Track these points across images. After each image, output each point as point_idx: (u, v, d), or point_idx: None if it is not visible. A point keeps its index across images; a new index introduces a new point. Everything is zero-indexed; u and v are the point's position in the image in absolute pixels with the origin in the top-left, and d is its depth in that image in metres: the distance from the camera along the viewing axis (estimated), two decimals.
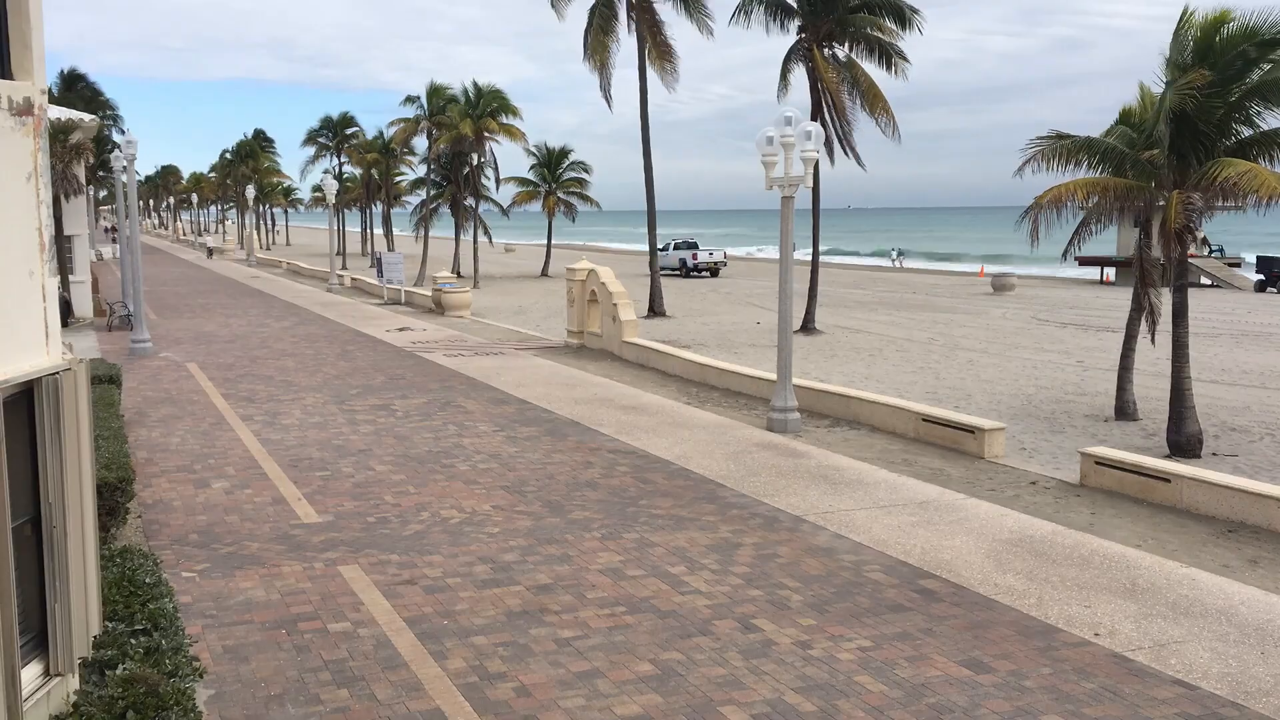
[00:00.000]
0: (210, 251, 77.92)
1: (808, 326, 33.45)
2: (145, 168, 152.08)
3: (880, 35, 33.56)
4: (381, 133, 76.19)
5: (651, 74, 38.46)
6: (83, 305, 34.71)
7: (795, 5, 34.12)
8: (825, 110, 33.66)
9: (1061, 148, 18.45)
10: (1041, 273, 68.02)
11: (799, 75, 34.98)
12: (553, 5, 39.20)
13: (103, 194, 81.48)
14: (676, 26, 41.43)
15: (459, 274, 50.82)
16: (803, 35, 34.29)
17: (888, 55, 33.71)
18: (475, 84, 55.29)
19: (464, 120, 52.96)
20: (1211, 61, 16.79)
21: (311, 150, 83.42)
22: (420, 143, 61.50)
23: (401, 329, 31.81)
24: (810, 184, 16.82)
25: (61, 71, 44.71)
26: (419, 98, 58.61)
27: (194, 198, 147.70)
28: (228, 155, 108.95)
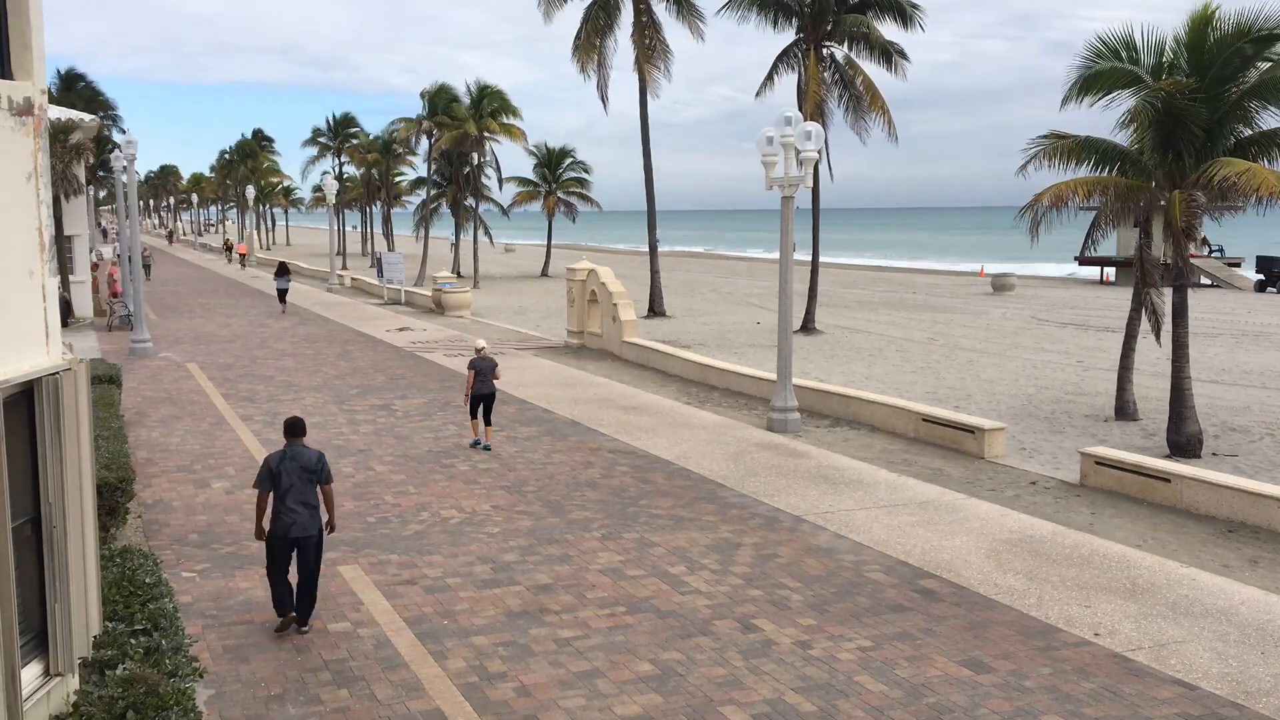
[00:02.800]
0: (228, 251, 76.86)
1: (808, 326, 33.45)
2: (149, 167, 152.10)
3: (881, 34, 33.55)
4: (383, 132, 76.19)
5: (653, 73, 38.46)
6: (83, 305, 34.71)
7: (794, 5, 34.12)
8: (815, 116, 33.64)
9: (1062, 146, 18.44)
10: (1041, 272, 68.00)
11: (787, 78, 35.04)
12: (541, 10, 39.26)
13: (103, 194, 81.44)
14: (676, 29, 41.64)
15: (459, 274, 50.81)
16: (801, 35, 34.31)
17: (887, 55, 33.70)
18: (478, 84, 55.21)
19: (468, 120, 52.90)
20: (1207, 60, 16.75)
21: (312, 150, 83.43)
22: (421, 143, 61.29)
23: (401, 329, 31.81)
24: (810, 184, 16.81)
25: (60, 71, 44.63)
26: (428, 93, 57.93)
27: (194, 198, 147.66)
28: (227, 155, 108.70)
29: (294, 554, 8.61)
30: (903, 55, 33.76)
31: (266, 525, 8.64)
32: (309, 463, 8.59)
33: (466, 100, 54.66)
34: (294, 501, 8.50)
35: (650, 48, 38.22)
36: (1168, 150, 17.42)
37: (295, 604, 8.67)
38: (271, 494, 8.54)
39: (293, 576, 8.68)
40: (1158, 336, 18.60)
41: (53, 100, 35.19)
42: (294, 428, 8.75)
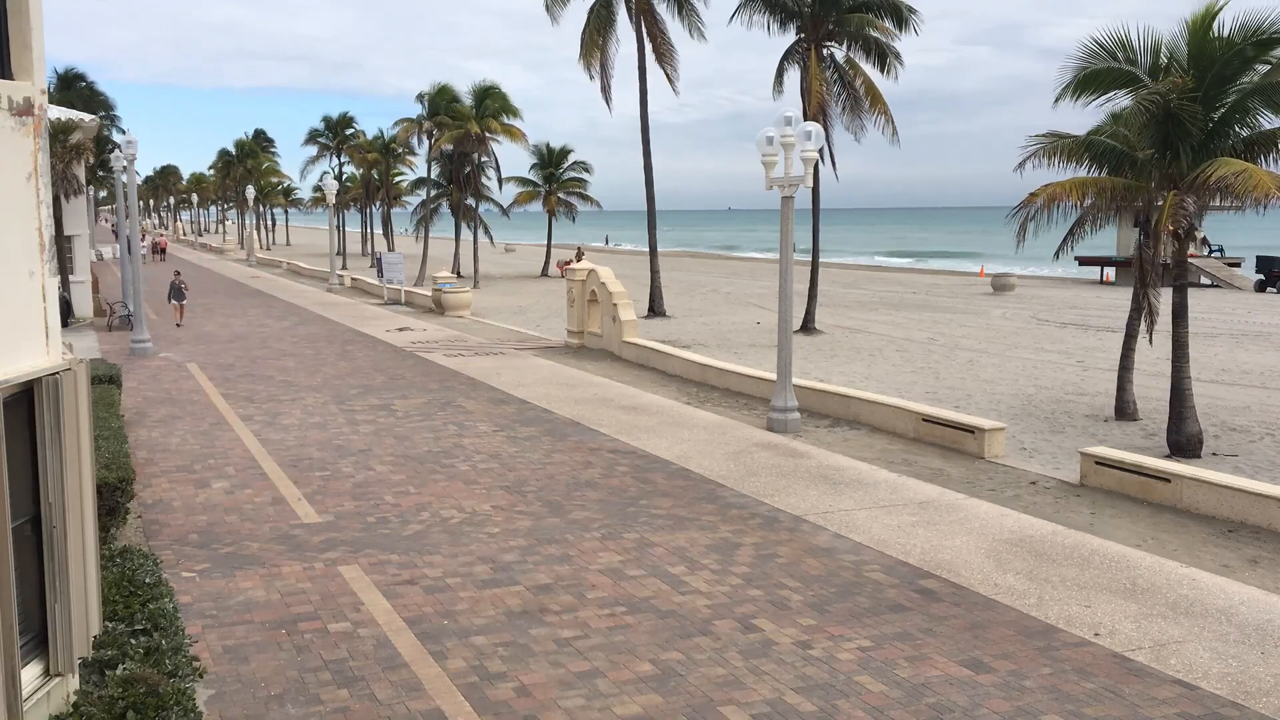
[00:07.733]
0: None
1: (808, 326, 33.45)
2: (151, 168, 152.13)
3: (877, 35, 33.59)
4: (382, 132, 76.13)
5: (652, 75, 38.53)
6: (83, 305, 34.72)
7: (795, 6, 34.15)
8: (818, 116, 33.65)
9: (1062, 145, 18.43)
10: (1041, 272, 67.99)
11: (794, 77, 35.09)
12: (547, 9, 39.32)
13: (103, 194, 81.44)
14: (675, 31, 42.03)
15: (459, 274, 50.79)
16: (802, 36, 34.34)
17: (882, 56, 33.75)
18: (480, 84, 55.17)
19: (470, 120, 52.90)
20: (1207, 61, 16.74)
21: (312, 150, 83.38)
22: (422, 144, 61.16)
23: (401, 329, 31.81)
24: (810, 184, 16.81)
25: (59, 71, 44.60)
26: (428, 94, 57.72)
27: (194, 198, 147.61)
28: (226, 154, 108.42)
29: None
30: (896, 57, 33.81)
31: None
32: None
33: (468, 101, 54.66)
34: None
35: (656, 48, 38.28)
36: (1165, 150, 17.42)
37: None
38: None
39: None
40: (1150, 336, 18.61)
41: (51, 100, 35.15)
42: None
